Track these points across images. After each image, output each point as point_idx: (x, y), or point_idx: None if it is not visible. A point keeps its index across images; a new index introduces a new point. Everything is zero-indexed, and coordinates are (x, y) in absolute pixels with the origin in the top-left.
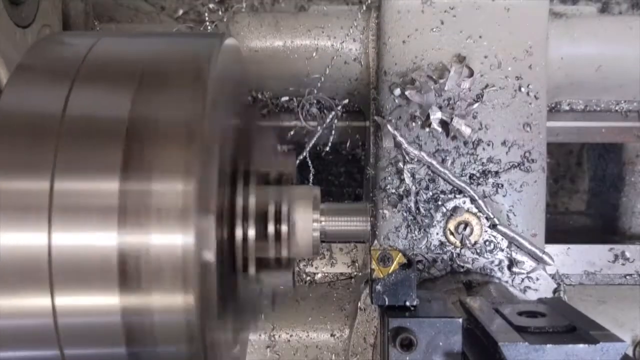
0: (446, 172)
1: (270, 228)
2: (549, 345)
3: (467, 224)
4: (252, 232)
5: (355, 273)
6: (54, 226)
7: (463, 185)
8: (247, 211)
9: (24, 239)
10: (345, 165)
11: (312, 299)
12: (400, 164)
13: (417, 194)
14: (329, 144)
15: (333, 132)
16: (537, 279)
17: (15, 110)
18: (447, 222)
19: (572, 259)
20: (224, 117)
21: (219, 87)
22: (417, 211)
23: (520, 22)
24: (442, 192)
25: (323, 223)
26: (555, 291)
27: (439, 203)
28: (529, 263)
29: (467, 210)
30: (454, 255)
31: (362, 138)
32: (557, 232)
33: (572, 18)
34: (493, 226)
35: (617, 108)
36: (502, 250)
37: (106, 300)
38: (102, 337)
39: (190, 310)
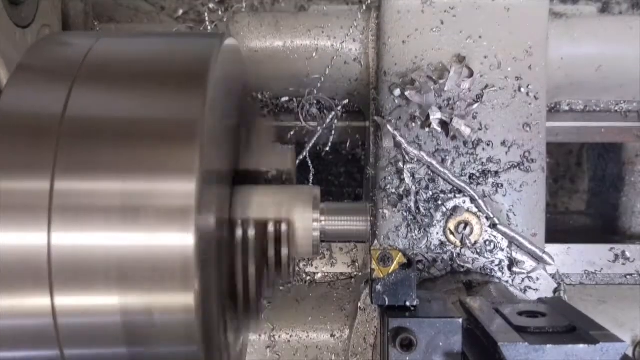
0: (446, 172)
1: (270, 228)
2: (549, 346)
3: (467, 224)
4: (252, 232)
5: (355, 273)
6: (54, 226)
7: (463, 185)
8: (247, 211)
9: (24, 239)
10: (345, 165)
11: (312, 299)
12: (400, 164)
13: (417, 193)
14: (329, 144)
15: (333, 132)
16: (538, 279)
17: (15, 110)
18: (447, 222)
19: (573, 259)
20: (224, 117)
21: (219, 87)
22: (417, 211)
23: (520, 22)
24: (442, 191)
25: (323, 223)
26: (555, 291)
27: (439, 203)
28: (529, 263)
29: (467, 210)
30: (454, 255)
31: (362, 138)
32: (557, 232)
33: (572, 18)
34: (493, 226)
35: (617, 108)
36: (502, 250)
37: (106, 300)
38: (102, 337)
39: (191, 310)
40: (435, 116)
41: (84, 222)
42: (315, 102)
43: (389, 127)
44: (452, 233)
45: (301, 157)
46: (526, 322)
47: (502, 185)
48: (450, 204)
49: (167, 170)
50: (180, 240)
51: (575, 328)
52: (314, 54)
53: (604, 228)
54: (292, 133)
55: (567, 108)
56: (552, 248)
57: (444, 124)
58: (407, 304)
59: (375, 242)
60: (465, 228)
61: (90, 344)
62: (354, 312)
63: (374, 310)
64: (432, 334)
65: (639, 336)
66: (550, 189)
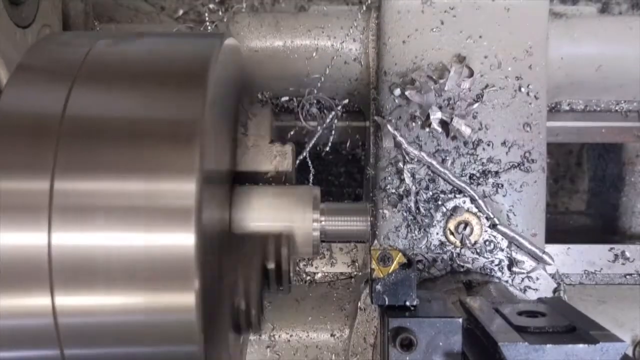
0: (446, 172)
1: (271, 228)
2: (548, 345)
3: (467, 224)
4: (251, 232)
5: (355, 273)
6: (54, 226)
7: (463, 185)
8: (247, 211)
9: (24, 239)
10: (345, 165)
11: (312, 299)
12: (400, 164)
13: (417, 193)
14: (329, 144)
15: (333, 132)
16: (537, 279)
17: (15, 110)
18: (447, 222)
19: (572, 259)
20: (224, 117)
21: (218, 87)
22: (417, 211)
23: (520, 22)
24: (442, 192)
25: (323, 223)
26: (555, 291)
27: (439, 203)
28: (529, 263)
29: (467, 210)
30: (454, 255)
31: (362, 138)
32: (557, 232)
33: (572, 18)
34: (493, 226)
35: (617, 108)
36: (502, 250)
37: (106, 300)
38: (102, 337)
39: (191, 310)
40: (436, 116)
41: (84, 222)
42: (315, 102)
43: (389, 127)
44: (452, 233)
45: (301, 157)
46: (526, 322)
47: (502, 186)
48: (450, 204)
49: (167, 170)
50: (180, 240)
51: (575, 328)
52: (314, 54)
53: (604, 228)
54: (292, 133)
55: (567, 108)
56: (552, 248)
57: (444, 124)
58: (407, 303)
59: (375, 242)
60: (465, 228)
61: (90, 344)
62: (354, 312)
63: (374, 310)
64: (432, 334)
65: (639, 336)
66: (550, 189)
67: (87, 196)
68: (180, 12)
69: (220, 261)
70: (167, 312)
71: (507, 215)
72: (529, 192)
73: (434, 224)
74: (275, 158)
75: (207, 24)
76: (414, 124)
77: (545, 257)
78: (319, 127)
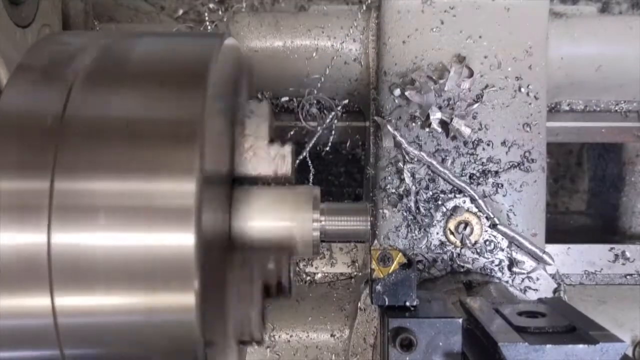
0: (446, 172)
1: (271, 227)
2: (548, 346)
3: (467, 224)
4: (252, 232)
5: (355, 273)
6: (54, 226)
7: (463, 185)
8: (247, 211)
9: (24, 239)
10: (345, 165)
11: (312, 299)
12: (400, 164)
13: (417, 193)
14: (329, 144)
15: (333, 132)
16: (537, 279)
17: (15, 110)
18: (447, 222)
19: (572, 259)
20: (224, 117)
21: (218, 87)
22: (417, 211)
23: (520, 22)
24: (442, 191)
25: (323, 223)
26: (555, 291)
27: (439, 203)
28: (529, 263)
29: (467, 210)
30: (454, 255)
31: (362, 138)
32: (557, 232)
33: (572, 18)
34: (493, 226)
35: (617, 108)
36: (502, 250)
37: (106, 300)
38: (102, 337)
39: (191, 310)
40: (435, 116)
41: (84, 222)
42: (315, 102)
43: (389, 127)
44: (452, 233)
45: (301, 157)
46: (526, 322)
47: (502, 185)
48: (450, 204)
49: (167, 170)
50: (180, 240)
51: (575, 328)
52: (314, 54)
53: (604, 228)
54: (292, 133)
55: (567, 108)
56: (552, 248)
57: (444, 124)
58: (407, 304)
59: (375, 242)
60: (465, 228)
61: (90, 344)
62: (354, 312)
63: (374, 310)
64: (432, 334)
65: (639, 336)
66: (550, 189)
67: (87, 196)
68: (180, 11)
69: (221, 264)
70: (167, 312)
71: (507, 215)
72: (529, 192)
73: (434, 223)
74: (274, 160)
75: (207, 23)
76: (414, 124)
77: (545, 257)
78: (319, 127)
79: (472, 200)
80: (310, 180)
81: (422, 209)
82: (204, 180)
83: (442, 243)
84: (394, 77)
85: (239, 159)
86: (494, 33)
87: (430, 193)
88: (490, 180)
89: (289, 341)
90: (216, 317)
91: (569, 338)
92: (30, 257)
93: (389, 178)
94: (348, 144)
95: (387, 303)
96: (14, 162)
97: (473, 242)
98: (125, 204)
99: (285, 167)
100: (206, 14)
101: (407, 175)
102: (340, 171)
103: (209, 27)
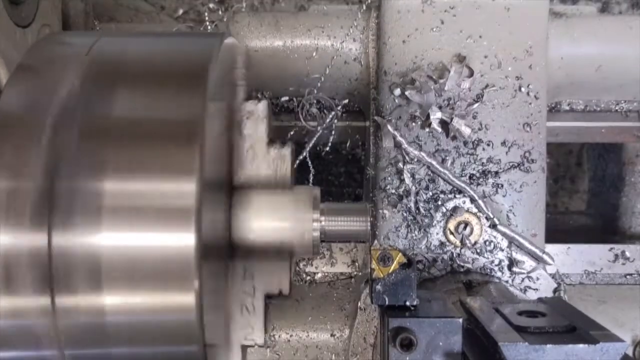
0: (446, 172)
1: (271, 227)
2: (549, 345)
3: (467, 224)
4: (252, 232)
5: (355, 273)
6: (54, 226)
7: (463, 185)
8: (247, 211)
9: (24, 239)
10: (345, 165)
11: (312, 299)
12: (400, 164)
13: (417, 194)
14: (329, 144)
15: (333, 132)
16: (537, 279)
17: (15, 110)
18: (447, 222)
19: (572, 259)
20: (224, 117)
21: (218, 87)
22: (417, 211)
23: (520, 22)
24: (442, 192)
25: (323, 223)
26: (555, 291)
27: (439, 203)
28: (529, 263)
29: (467, 210)
30: (454, 255)
31: (362, 138)
32: (557, 232)
33: (572, 18)
34: (493, 226)
35: (617, 108)
36: (502, 250)
37: (106, 300)
38: (102, 337)
39: (191, 310)
40: (436, 116)
41: (83, 222)
42: (315, 101)
43: (389, 127)
44: (452, 233)
45: (301, 157)
46: (526, 322)
47: (502, 186)
48: (450, 204)
49: (168, 170)
50: (180, 240)
51: (575, 328)
52: (314, 54)
53: (604, 228)
54: (292, 133)
55: (567, 108)
56: (552, 248)
57: (444, 124)
58: (407, 303)
59: (375, 242)
60: (465, 228)
61: (90, 343)
62: (354, 312)
63: (374, 310)
64: (432, 334)
65: (639, 336)
66: (550, 189)
67: (87, 196)
68: (180, 11)
69: (222, 264)
70: (167, 312)
71: (507, 215)
72: (528, 192)
73: (434, 224)
74: (274, 162)
75: (207, 23)
76: (414, 124)
77: (545, 257)
78: (319, 127)
79: (472, 200)
80: (310, 180)
81: (422, 209)
82: (204, 180)
83: (442, 243)
84: (394, 76)
85: (239, 160)
86: (494, 33)
87: (430, 193)
88: (490, 180)
89: (289, 341)
90: (218, 318)
91: (569, 338)
92: (30, 257)
93: (389, 178)
94: (348, 144)
95: (387, 303)
96: (14, 162)
97: (473, 242)
98: (125, 204)
99: (284, 168)
100: (206, 14)
101: (407, 176)
102: (340, 171)
103: (209, 27)
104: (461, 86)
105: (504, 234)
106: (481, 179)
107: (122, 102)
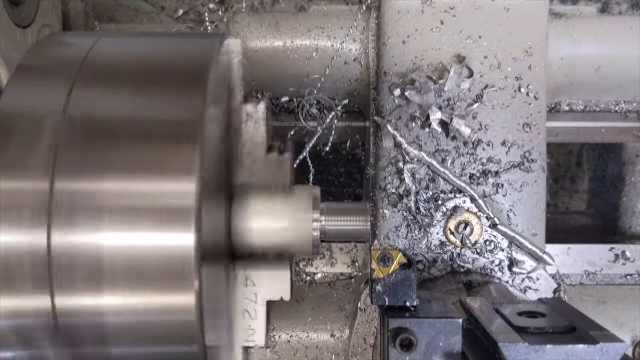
0: (446, 172)
1: (270, 226)
2: (548, 346)
3: (467, 224)
4: (251, 232)
5: (355, 273)
6: (54, 226)
7: (463, 185)
8: (247, 210)
9: (24, 239)
10: (345, 165)
11: (312, 299)
12: (400, 164)
13: (417, 193)
14: (329, 144)
15: (333, 132)
16: (538, 279)
17: (15, 110)
18: (447, 222)
19: (573, 259)
20: (224, 117)
21: (219, 87)
22: (417, 211)
23: (520, 22)
24: (442, 191)
25: (323, 222)
26: (555, 291)
27: (439, 202)
28: (529, 263)
29: (467, 210)
30: (454, 255)
31: (362, 138)
32: (557, 232)
33: (572, 18)
34: (493, 226)
35: (616, 108)
36: (503, 250)
37: (106, 300)
38: (102, 337)
39: (191, 310)
40: (435, 116)
41: (83, 221)
42: (315, 102)
43: (389, 127)
44: (452, 233)
45: (301, 157)
46: (526, 322)
47: (502, 185)
48: (450, 204)
49: (167, 170)
50: (180, 240)
51: (575, 328)
52: (314, 54)
53: (604, 228)
54: (292, 133)
55: (567, 108)
56: (552, 248)
57: (444, 124)
58: (407, 304)
59: (375, 241)
60: (465, 228)
61: (89, 344)
62: (354, 312)
63: (374, 310)
64: (432, 334)
65: (639, 336)
66: (550, 189)
67: (86, 196)
68: (180, 12)
69: (223, 265)
70: (167, 312)
71: (507, 215)
72: (529, 192)
73: (434, 223)
74: (272, 169)
75: (207, 24)
76: (414, 124)
77: (545, 257)
78: (319, 127)
79: (472, 200)
80: (310, 180)
81: (422, 209)
82: (204, 180)
83: (442, 243)
84: (394, 77)
85: (237, 163)
86: (493, 33)
87: (430, 193)
88: (490, 180)
89: (289, 341)
90: (221, 322)
91: (569, 338)
92: (30, 257)
93: (389, 178)
94: (348, 144)
95: (387, 303)
96: (14, 162)
97: (473, 242)
98: (125, 204)
99: (283, 175)
100: (206, 14)
101: (407, 175)
102: (340, 171)
103: (209, 27)
104: (461, 86)
105: (504, 234)
106: (481, 179)
107: (122, 102)
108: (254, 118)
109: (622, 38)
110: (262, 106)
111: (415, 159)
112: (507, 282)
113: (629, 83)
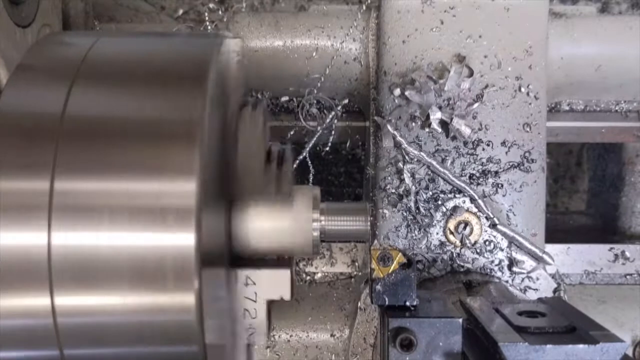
0: (446, 172)
1: (270, 226)
2: (548, 346)
3: (467, 224)
4: (251, 232)
5: (355, 273)
6: (54, 226)
7: (463, 185)
8: (247, 209)
9: (24, 239)
10: (345, 165)
11: (312, 299)
12: (400, 164)
13: (417, 193)
14: (329, 144)
15: (333, 132)
16: (537, 279)
17: (15, 110)
18: (447, 222)
19: (572, 259)
20: (224, 117)
21: (219, 87)
22: (417, 211)
23: (520, 22)
24: (442, 191)
25: (323, 222)
26: (555, 291)
27: (439, 203)
28: (529, 263)
29: (467, 210)
30: (454, 255)
31: (362, 138)
32: (557, 232)
33: (572, 18)
34: (493, 226)
35: (617, 108)
36: (502, 249)
37: (106, 300)
38: (102, 337)
39: (191, 310)
40: (435, 116)
41: (83, 222)
42: (315, 101)
43: (389, 127)
44: (452, 233)
45: (301, 157)
46: (526, 322)
47: (502, 185)
48: (450, 204)
49: (167, 170)
50: (180, 240)
51: (575, 328)
52: (314, 54)
53: (604, 228)
54: (292, 133)
55: (567, 108)
56: (552, 248)
57: (444, 124)
58: (407, 303)
59: (375, 242)
60: (465, 228)
61: (89, 344)
62: (354, 312)
63: (374, 310)
64: (432, 334)
65: (639, 336)
66: (550, 189)
67: (86, 196)
68: (180, 11)
69: (223, 265)
70: (166, 312)
71: (507, 215)
72: (528, 192)
73: (433, 223)
74: (272, 184)
75: (207, 23)
76: (414, 124)
77: (545, 257)
78: (319, 127)
79: (472, 200)
80: (310, 180)
81: (422, 209)
82: (205, 180)
83: (442, 243)
84: (394, 77)
85: (237, 168)
86: (493, 33)
87: (430, 193)
88: (490, 180)
89: (288, 341)
90: (223, 320)
91: (569, 338)
92: (30, 257)
93: (389, 178)
94: (348, 144)
95: (387, 303)
96: (14, 162)
97: (473, 242)
98: (125, 204)
99: (284, 189)
100: (206, 14)
101: (407, 175)
102: (340, 171)
103: (209, 27)
104: (461, 86)
105: (503, 234)
106: (481, 179)
107: (122, 102)
108: (253, 123)
109: (622, 38)
110: (259, 112)
111: (415, 159)
112: (507, 282)
113: (629, 83)
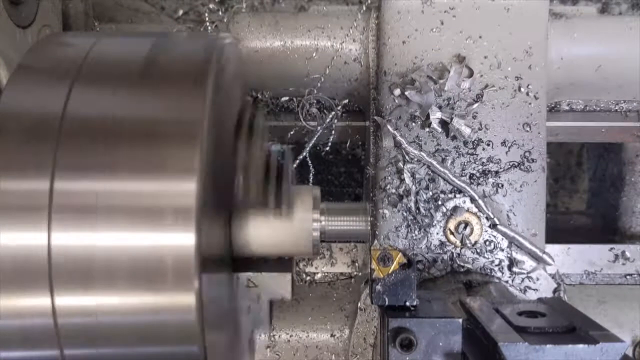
0: (446, 172)
1: (270, 226)
2: (548, 346)
3: (467, 224)
4: (252, 233)
5: (355, 273)
6: (54, 226)
7: (463, 185)
8: (247, 211)
9: (24, 239)
10: (345, 165)
11: (312, 299)
12: (400, 164)
13: (417, 193)
14: (329, 144)
15: (333, 132)
16: (537, 279)
17: (15, 110)
18: (447, 222)
19: (572, 259)
20: (224, 117)
21: (219, 87)
22: (417, 211)
23: (520, 22)
24: (442, 191)
25: (323, 223)
26: (555, 291)
27: (439, 203)
28: (529, 263)
29: (467, 210)
30: (454, 255)
31: (362, 138)
32: (557, 232)
33: (572, 18)
34: (493, 226)
35: (617, 108)
36: (502, 250)
37: (106, 300)
38: (102, 337)
39: (191, 310)
40: (435, 116)
41: (83, 222)
42: (315, 102)
43: (389, 127)
44: (452, 233)
45: (301, 157)
46: (526, 322)
47: (502, 185)
48: (450, 204)
49: (168, 170)
50: (180, 240)
51: (575, 328)
52: (314, 54)
53: (604, 228)
54: (292, 133)
55: (567, 108)
56: (552, 248)
57: (444, 124)
58: (407, 304)
59: (375, 242)
60: (465, 228)
61: (90, 344)
62: (354, 312)
63: (374, 310)
64: (432, 334)
65: (639, 336)
66: (550, 189)
67: (86, 196)
68: (180, 12)
69: (223, 265)
70: (167, 312)
71: (507, 215)
72: (529, 192)
73: (434, 224)
74: (271, 201)
75: (207, 24)
76: (414, 124)
77: (545, 257)
78: (319, 127)
79: (472, 200)
80: (310, 180)
81: (422, 209)
82: (205, 179)
83: (442, 243)
84: (394, 77)
85: (235, 180)
86: (494, 33)
87: (430, 193)
88: (490, 180)
89: (289, 341)
90: (225, 321)
91: (569, 338)
92: (30, 257)
93: (389, 178)
94: (348, 144)
95: (387, 303)
96: (14, 162)
97: (473, 242)
98: (125, 204)
99: (283, 203)
100: (206, 15)
101: (407, 175)
102: (340, 171)
103: (209, 28)
104: (461, 86)
105: (504, 234)
106: (481, 179)
107: (122, 102)
108: (252, 133)
109: (622, 38)
110: (259, 120)
111: (416, 159)
112: (507, 282)
113: (629, 83)
